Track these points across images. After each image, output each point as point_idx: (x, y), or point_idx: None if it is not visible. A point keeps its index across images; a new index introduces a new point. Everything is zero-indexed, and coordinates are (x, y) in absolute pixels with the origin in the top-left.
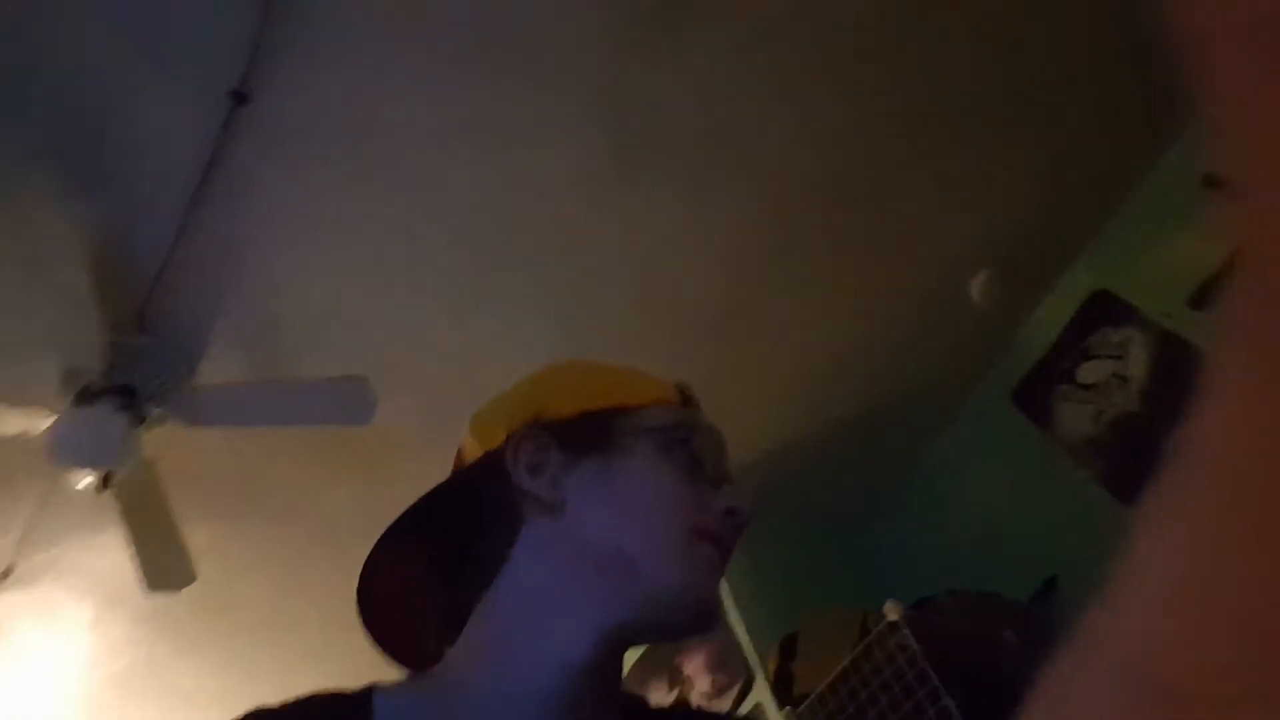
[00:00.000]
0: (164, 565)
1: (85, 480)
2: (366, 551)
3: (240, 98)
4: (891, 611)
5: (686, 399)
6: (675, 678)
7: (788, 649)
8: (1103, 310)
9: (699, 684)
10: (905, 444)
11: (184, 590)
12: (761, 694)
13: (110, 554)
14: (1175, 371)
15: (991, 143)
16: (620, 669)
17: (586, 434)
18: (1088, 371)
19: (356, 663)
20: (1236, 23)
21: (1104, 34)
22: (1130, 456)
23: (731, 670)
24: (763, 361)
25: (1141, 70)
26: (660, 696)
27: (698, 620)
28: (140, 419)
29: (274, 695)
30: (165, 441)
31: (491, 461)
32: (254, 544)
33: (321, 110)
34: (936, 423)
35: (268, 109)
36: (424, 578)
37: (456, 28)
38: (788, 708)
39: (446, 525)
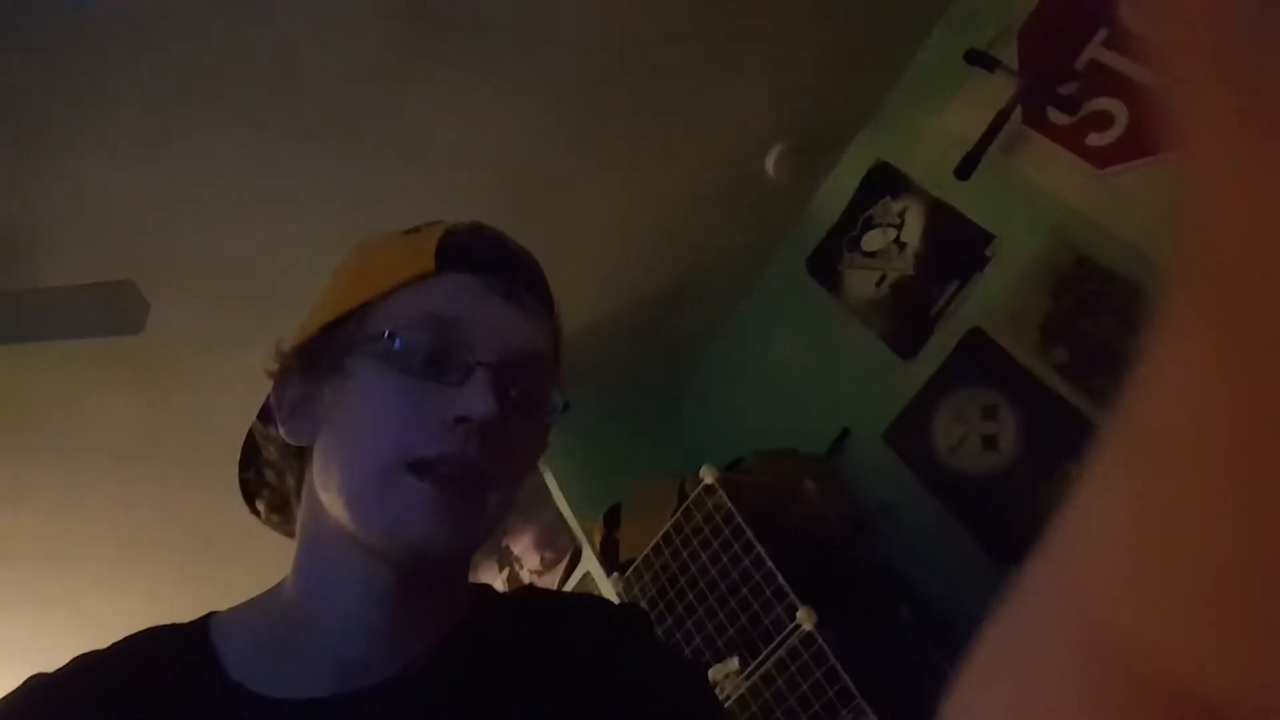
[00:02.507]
0: None
1: None
2: (154, 468)
3: None
4: (707, 474)
5: (447, 256)
6: (504, 559)
7: (611, 520)
8: (884, 181)
9: (528, 562)
10: (708, 315)
11: None
12: (590, 564)
13: None
14: (943, 237)
15: (780, 22)
16: (444, 579)
17: (322, 354)
18: (871, 239)
19: (151, 589)
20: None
21: None
22: (907, 316)
23: (558, 546)
24: (564, 240)
25: None
26: (491, 578)
27: (423, 559)
28: None
29: (62, 632)
30: None
31: (265, 405)
32: (26, 472)
33: None
34: (737, 293)
35: None
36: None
37: None
38: (615, 574)
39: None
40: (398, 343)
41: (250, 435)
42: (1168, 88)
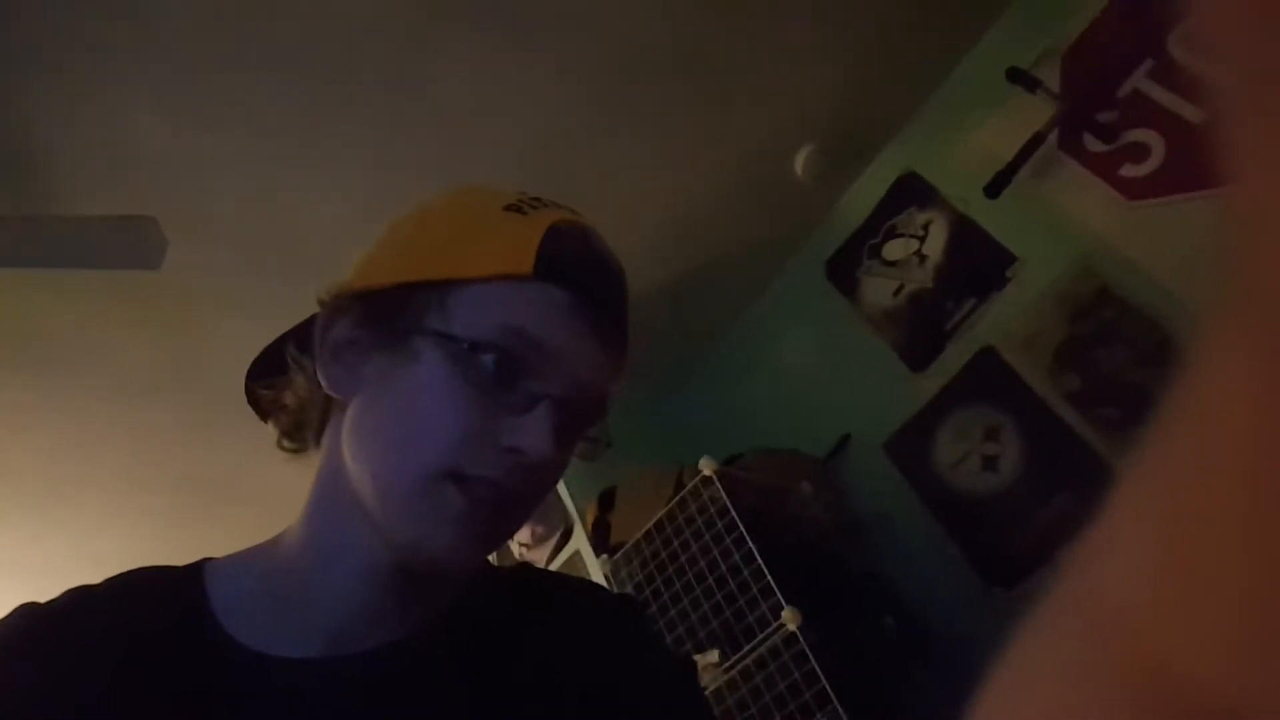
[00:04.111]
0: None
1: None
2: (158, 407)
3: None
4: (706, 466)
5: (548, 264)
6: None
7: (605, 502)
8: (911, 191)
9: (518, 534)
10: (721, 307)
11: None
12: (580, 543)
13: None
14: (965, 253)
15: (820, 24)
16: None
17: (388, 315)
18: (893, 249)
19: (151, 527)
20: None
21: None
22: (921, 328)
23: (549, 522)
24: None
25: None
26: None
27: (437, 569)
28: None
29: (61, 565)
30: None
31: (305, 327)
32: (30, 402)
33: None
34: (753, 288)
35: None
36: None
37: None
38: (604, 555)
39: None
40: (473, 350)
41: (276, 348)
42: (1224, 114)
